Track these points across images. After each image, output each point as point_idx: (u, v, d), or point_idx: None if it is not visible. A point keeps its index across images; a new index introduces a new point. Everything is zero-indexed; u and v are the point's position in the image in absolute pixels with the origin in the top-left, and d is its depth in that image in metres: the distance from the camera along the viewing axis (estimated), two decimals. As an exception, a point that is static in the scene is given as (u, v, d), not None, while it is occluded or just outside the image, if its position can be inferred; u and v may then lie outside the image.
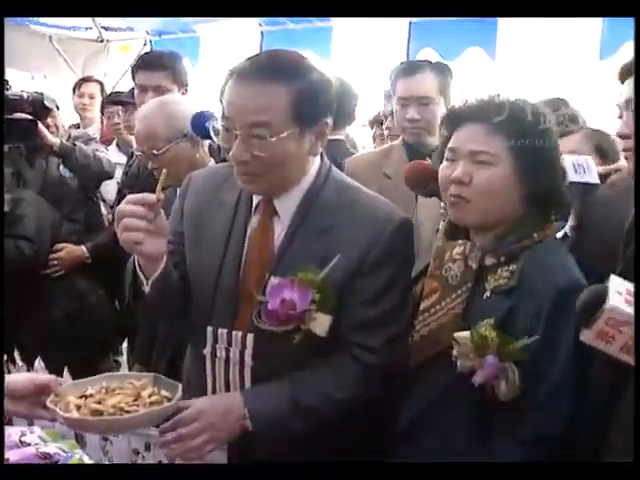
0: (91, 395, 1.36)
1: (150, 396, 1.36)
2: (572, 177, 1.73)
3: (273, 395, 1.51)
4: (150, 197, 1.39)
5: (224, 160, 2.30)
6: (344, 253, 1.49)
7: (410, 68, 2.58)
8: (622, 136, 1.65)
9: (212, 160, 2.46)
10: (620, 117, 1.72)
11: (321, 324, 1.47)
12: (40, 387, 1.35)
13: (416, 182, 1.90)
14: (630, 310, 1.12)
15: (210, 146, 2.52)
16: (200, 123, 2.31)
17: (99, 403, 1.32)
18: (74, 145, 3.20)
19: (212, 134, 2.03)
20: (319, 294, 1.46)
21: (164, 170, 1.43)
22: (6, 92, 3.06)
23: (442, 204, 1.90)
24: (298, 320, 1.46)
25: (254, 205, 1.59)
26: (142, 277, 1.50)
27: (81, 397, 1.35)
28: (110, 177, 3.41)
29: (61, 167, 3.24)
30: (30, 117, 2.99)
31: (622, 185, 1.83)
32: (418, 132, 2.54)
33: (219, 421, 1.46)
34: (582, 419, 1.37)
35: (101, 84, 4.80)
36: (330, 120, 1.54)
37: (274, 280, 1.49)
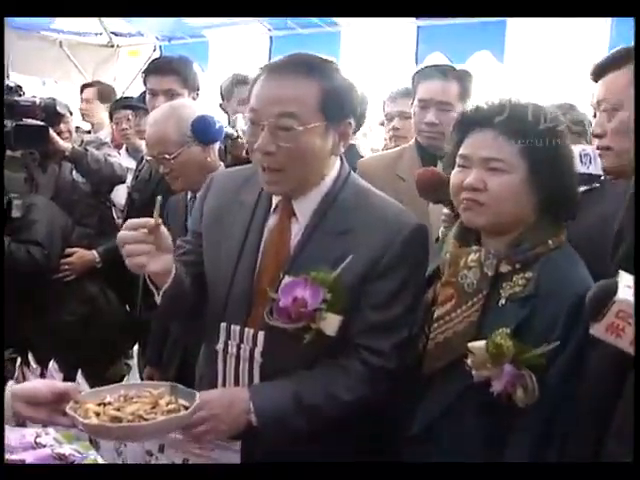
0: (110, 403, 1.38)
1: (168, 404, 1.38)
2: (579, 168, 1.74)
3: (278, 391, 1.53)
4: (149, 222, 1.43)
5: (234, 164, 2.32)
6: (358, 256, 1.51)
7: (434, 72, 2.59)
8: (596, 136, 1.67)
9: (222, 164, 2.48)
10: (594, 116, 1.73)
11: (331, 324, 1.48)
12: (59, 395, 1.37)
13: (426, 189, 1.89)
14: None
15: (219, 149, 2.54)
16: (200, 127, 2.33)
17: (118, 410, 1.35)
18: (86, 150, 3.22)
19: (235, 131, 2.06)
20: (330, 294, 1.47)
21: (158, 197, 1.46)
22: (18, 98, 3.07)
23: (445, 211, 1.90)
24: (309, 319, 1.47)
25: (273, 206, 1.62)
26: (153, 289, 1.54)
27: (100, 404, 1.37)
28: (122, 181, 3.43)
29: (74, 172, 3.26)
30: (41, 123, 3.02)
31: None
32: (434, 136, 2.54)
33: (223, 412, 1.48)
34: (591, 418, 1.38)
35: (99, 88, 4.78)
36: (353, 122, 1.57)
37: (287, 279, 1.51)
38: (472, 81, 2.61)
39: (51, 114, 3.10)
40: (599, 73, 1.69)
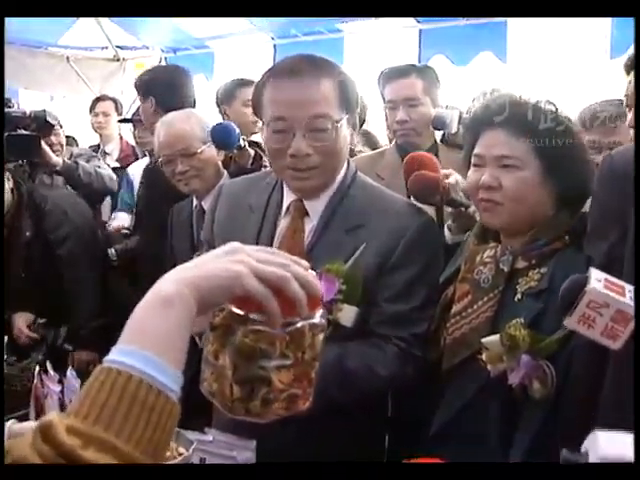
0: None
1: None
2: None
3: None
4: None
5: (237, 173, 2.34)
6: (372, 247, 1.54)
7: (396, 72, 2.68)
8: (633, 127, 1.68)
9: (225, 171, 2.51)
10: (627, 106, 1.75)
11: (347, 315, 1.50)
12: None
13: (422, 194, 1.85)
14: (609, 293, 1.14)
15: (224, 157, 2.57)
16: (221, 133, 2.36)
17: None
18: (76, 164, 3.25)
19: (241, 144, 2.11)
20: (345, 285, 1.50)
21: None
22: (8, 109, 3.10)
23: (449, 210, 1.90)
24: (325, 310, 1.49)
25: (284, 207, 1.66)
26: None
27: None
28: (112, 193, 3.48)
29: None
30: (32, 133, 3.03)
31: None
32: (407, 133, 2.62)
33: None
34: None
35: (115, 101, 4.86)
36: (358, 111, 1.63)
37: None
38: (435, 76, 2.70)
39: (41, 125, 3.13)
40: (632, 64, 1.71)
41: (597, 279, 1.16)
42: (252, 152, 2.43)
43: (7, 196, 2.82)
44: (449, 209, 1.86)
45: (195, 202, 2.53)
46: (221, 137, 2.33)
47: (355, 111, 1.61)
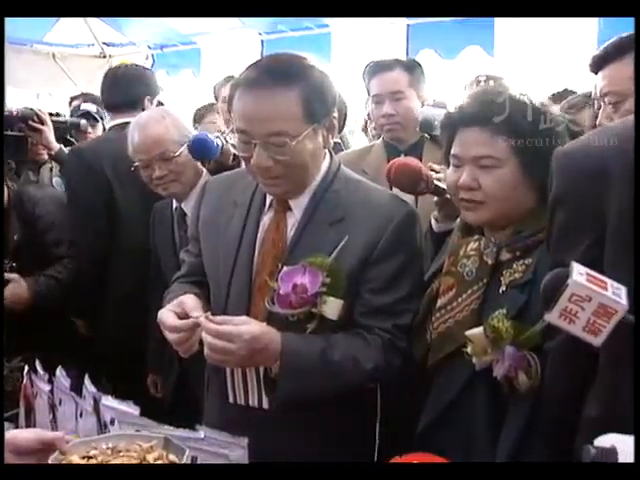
0: (94, 456, 1.28)
1: (156, 460, 1.29)
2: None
3: (308, 342, 1.53)
4: None
5: (217, 170, 2.32)
6: (354, 240, 1.55)
7: (381, 66, 2.67)
8: None
9: (204, 170, 2.49)
10: (598, 108, 1.75)
11: (332, 308, 1.51)
12: (47, 444, 1.29)
13: (405, 183, 1.86)
14: (592, 286, 1.11)
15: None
16: (200, 148, 2.31)
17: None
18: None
19: (218, 152, 2.09)
20: (329, 278, 1.50)
21: None
22: None
23: (435, 199, 1.90)
24: (310, 303, 1.50)
25: (267, 203, 1.66)
26: None
27: (84, 457, 1.28)
28: None
29: (54, 180, 3.28)
30: (20, 133, 3.02)
31: None
32: (393, 127, 2.62)
33: (248, 355, 1.46)
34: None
35: (86, 100, 4.80)
36: (337, 113, 1.60)
37: (286, 268, 1.54)
38: (420, 69, 2.69)
39: (29, 124, 3.07)
40: (599, 65, 1.70)
41: (579, 272, 1.13)
42: (232, 150, 2.40)
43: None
44: (435, 198, 1.86)
45: (175, 204, 2.50)
46: (200, 152, 2.29)
47: (330, 115, 1.57)
